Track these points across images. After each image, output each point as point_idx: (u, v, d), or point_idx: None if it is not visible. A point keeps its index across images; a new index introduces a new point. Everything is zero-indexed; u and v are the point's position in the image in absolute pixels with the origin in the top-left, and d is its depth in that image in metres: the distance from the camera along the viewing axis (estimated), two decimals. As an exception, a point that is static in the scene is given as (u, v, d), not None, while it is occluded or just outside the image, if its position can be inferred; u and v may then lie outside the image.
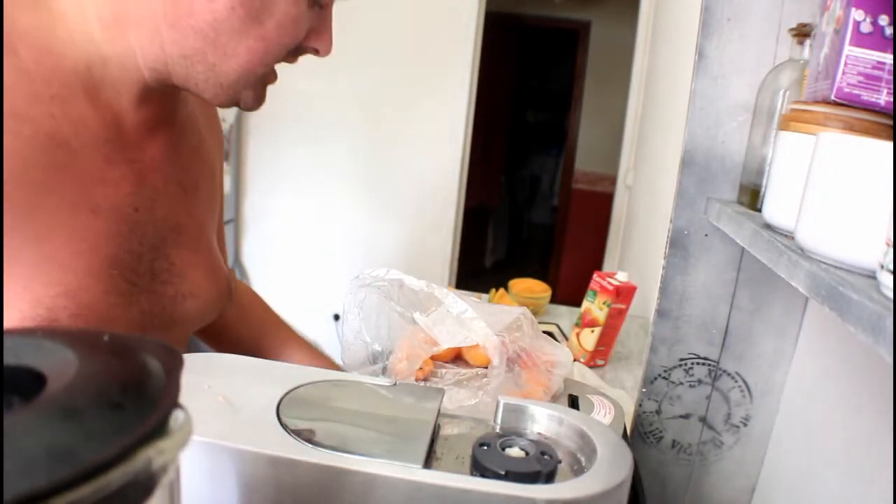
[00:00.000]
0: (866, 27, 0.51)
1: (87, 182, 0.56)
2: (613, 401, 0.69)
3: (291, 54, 0.61)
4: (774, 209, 0.60)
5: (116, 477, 0.22)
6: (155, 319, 0.63)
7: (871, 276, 0.43)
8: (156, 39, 0.55)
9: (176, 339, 0.67)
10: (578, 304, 1.47)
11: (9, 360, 0.26)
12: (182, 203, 0.67)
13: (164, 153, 0.65)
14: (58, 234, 0.53)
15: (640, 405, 0.89)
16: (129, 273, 0.60)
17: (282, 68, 0.67)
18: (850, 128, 0.54)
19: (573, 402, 0.68)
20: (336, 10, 0.67)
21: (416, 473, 0.43)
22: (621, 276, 1.37)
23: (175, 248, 0.65)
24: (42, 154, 0.52)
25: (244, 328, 0.89)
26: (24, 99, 0.51)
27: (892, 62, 0.51)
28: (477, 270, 4.75)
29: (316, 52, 0.62)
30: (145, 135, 0.62)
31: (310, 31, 0.60)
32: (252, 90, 0.60)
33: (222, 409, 0.48)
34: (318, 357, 0.89)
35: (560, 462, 0.47)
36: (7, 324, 0.51)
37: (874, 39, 0.51)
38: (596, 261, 3.19)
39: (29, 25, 0.53)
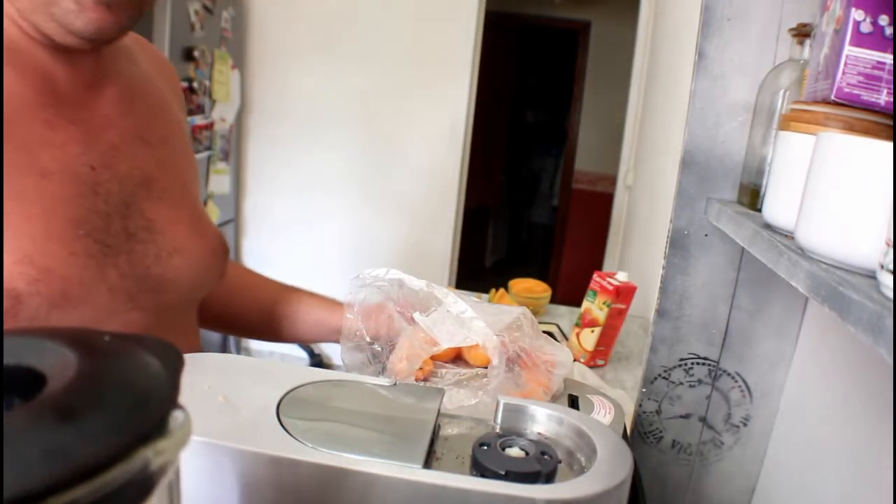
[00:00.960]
0: (866, 27, 0.51)
1: (30, 148, 0.55)
2: (613, 401, 0.69)
3: None
4: (774, 209, 0.60)
5: (114, 477, 0.22)
6: (141, 282, 0.61)
7: (871, 276, 0.43)
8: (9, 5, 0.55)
9: (174, 303, 0.65)
10: (578, 304, 1.47)
11: (9, 360, 0.26)
12: (149, 157, 0.65)
13: (117, 110, 0.64)
14: (11, 203, 0.52)
15: (640, 405, 0.89)
16: (98, 234, 0.58)
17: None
18: (850, 128, 0.54)
19: (573, 402, 0.68)
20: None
21: (416, 473, 0.43)
22: (621, 276, 1.37)
23: (149, 202, 0.63)
24: None
25: (252, 298, 0.87)
26: None
27: (892, 62, 0.51)
28: (477, 270, 4.75)
29: None
30: (87, 94, 0.61)
31: None
32: (71, 1, 0.53)
33: (222, 409, 0.48)
34: (334, 307, 0.86)
35: (560, 462, 0.47)
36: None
37: (874, 39, 0.51)
38: (596, 261, 3.19)
39: None
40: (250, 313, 0.88)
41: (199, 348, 0.74)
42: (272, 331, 0.88)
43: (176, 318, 0.67)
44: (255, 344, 2.95)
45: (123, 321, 0.59)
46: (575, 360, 1.24)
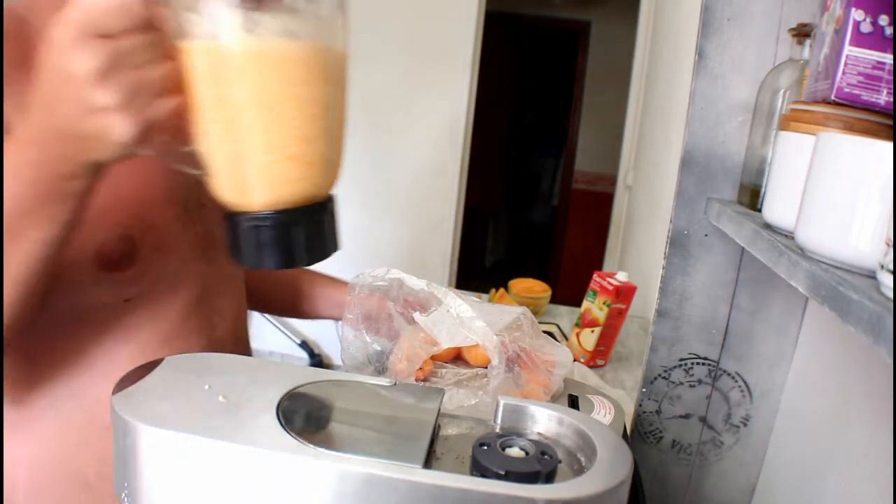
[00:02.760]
0: (866, 27, 0.51)
1: None
2: (613, 401, 0.69)
3: None
4: (774, 209, 0.60)
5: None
6: (208, 241, 0.75)
7: (871, 276, 0.43)
8: None
9: (230, 262, 0.73)
10: (578, 304, 1.47)
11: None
12: None
13: None
14: (126, 174, 0.62)
15: (640, 405, 0.89)
16: (182, 201, 0.71)
17: None
18: (850, 128, 0.54)
19: (573, 402, 0.68)
20: None
21: (416, 473, 0.43)
22: (621, 276, 1.37)
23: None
24: None
25: (279, 276, 0.98)
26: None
27: (892, 62, 0.51)
28: (477, 270, 4.75)
29: None
30: None
31: None
32: None
33: (222, 409, 0.48)
34: (345, 287, 0.95)
35: (560, 462, 0.47)
36: (95, 239, 0.62)
37: (874, 39, 0.51)
38: (596, 261, 3.19)
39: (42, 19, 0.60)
40: (276, 290, 0.98)
41: (245, 303, 0.85)
42: (295, 308, 0.99)
43: (231, 273, 0.81)
44: (255, 343, 2.95)
45: (195, 271, 0.73)
46: (575, 360, 1.24)
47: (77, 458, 0.68)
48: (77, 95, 0.46)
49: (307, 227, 0.51)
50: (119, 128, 0.46)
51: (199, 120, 0.48)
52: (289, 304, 0.99)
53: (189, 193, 0.74)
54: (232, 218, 0.51)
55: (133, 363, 0.60)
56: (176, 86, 0.47)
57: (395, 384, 0.56)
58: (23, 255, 0.53)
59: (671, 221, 0.82)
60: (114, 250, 0.64)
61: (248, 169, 0.48)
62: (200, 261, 0.74)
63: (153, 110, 0.47)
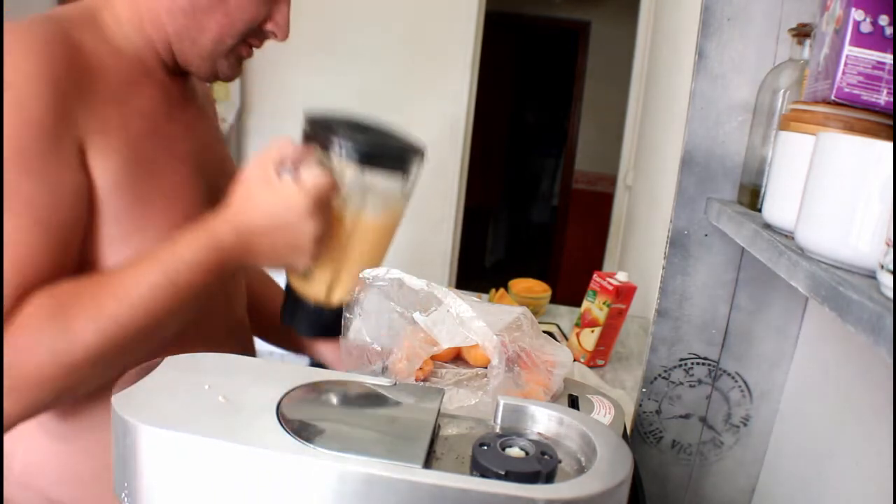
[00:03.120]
0: (866, 27, 0.51)
1: (171, 139, 0.73)
2: (613, 401, 0.69)
3: (255, 36, 0.75)
4: (774, 209, 0.60)
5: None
6: None
7: (871, 276, 0.43)
8: (161, 28, 0.71)
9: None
10: (578, 304, 1.47)
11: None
12: (219, 149, 0.87)
13: (199, 115, 0.83)
14: (170, 177, 0.72)
15: (640, 405, 0.89)
16: (208, 200, 0.76)
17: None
18: (850, 128, 0.54)
19: (573, 402, 0.68)
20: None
21: (416, 473, 0.43)
22: (621, 276, 1.37)
23: (223, 182, 0.79)
24: (141, 123, 0.70)
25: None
26: (120, 87, 0.68)
27: (892, 62, 0.51)
28: (477, 270, 4.75)
29: (275, 35, 0.76)
30: (185, 103, 0.79)
31: (267, 17, 0.74)
32: (226, 60, 0.75)
33: (222, 409, 0.48)
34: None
35: (560, 462, 0.47)
36: (154, 239, 0.67)
37: (874, 39, 0.51)
38: (596, 261, 3.19)
39: (96, 37, 0.68)
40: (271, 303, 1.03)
41: (245, 297, 0.92)
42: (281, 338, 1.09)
43: (237, 275, 0.87)
44: (255, 344, 2.95)
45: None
46: (575, 360, 1.24)
47: (101, 453, 0.70)
48: (294, 242, 0.68)
49: (340, 316, 0.72)
50: (305, 259, 0.70)
51: (327, 251, 0.72)
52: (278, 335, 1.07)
53: (211, 193, 0.78)
54: (301, 300, 0.77)
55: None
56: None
57: (395, 384, 0.56)
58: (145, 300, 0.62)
59: (671, 221, 0.82)
60: None
61: (339, 280, 0.75)
62: None
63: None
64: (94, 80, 0.65)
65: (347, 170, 0.69)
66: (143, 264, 0.63)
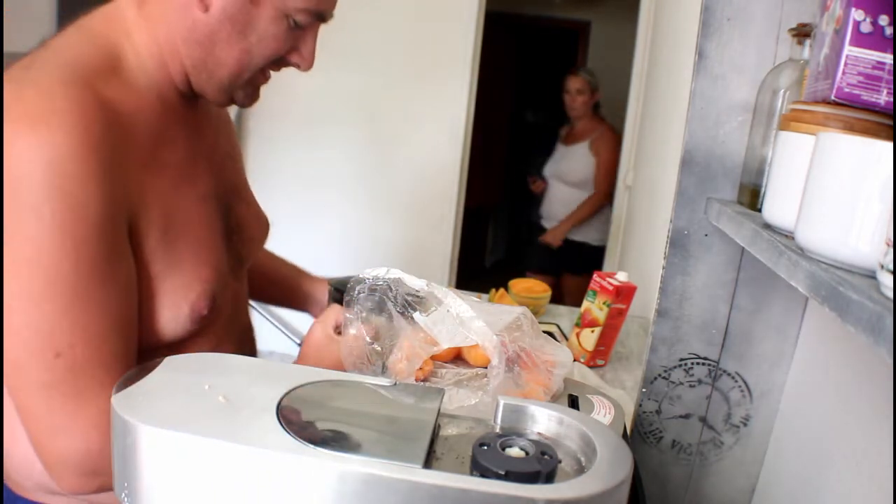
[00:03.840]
0: (866, 27, 0.51)
1: (195, 182, 0.74)
2: (613, 401, 0.69)
3: (275, 64, 0.73)
4: (774, 209, 0.60)
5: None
6: (237, 260, 0.83)
7: (871, 276, 0.43)
8: (177, 57, 0.69)
9: (244, 274, 0.88)
10: (578, 304, 1.47)
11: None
12: (234, 171, 0.87)
13: (215, 137, 0.82)
14: (197, 227, 0.72)
15: (640, 405, 0.89)
16: (226, 233, 0.79)
17: (283, 69, 0.71)
18: (850, 128, 0.54)
19: (573, 402, 0.68)
20: (336, 10, 0.70)
21: (416, 473, 0.43)
22: (621, 276, 1.37)
23: (237, 205, 0.84)
24: (169, 177, 0.69)
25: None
26: (149, 143, 0.67)
27: (892, 62, 0.51)
28: (477, 270, 4.75)
29: (298, 66, 0.74)
30: (201, 129, 0.78)
31: (292, 48, 0.72)
32: (243, 90, 0.73)
33: (222, 409, 0.48)
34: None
35: (560, 462, 0.47)
36: (188, 299, 0.69)
37: (874, 39, 0.51)
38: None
39: (121, 85, 0.65)
40: (272, 285, 1.08)
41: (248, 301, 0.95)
42: (282, 301, 1.11)
43: (245, 282, 0.90)
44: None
45: (231, 288, 0.81)
46: (575, 360, 1.24)
47: None
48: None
49: None
50: None
51: None
52: (277, 298, 1.10)
53: (227, 222, 0.80)
54: None
55: None
56: None
57: (395, 384, 0.56)
58: None
59: (671, 221, 0.82)
60: (203, 306, 0.71)
61: None
62: (233, 279, 0.82)
63: None
64: (128, 144, 0.63)
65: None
66: None
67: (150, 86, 0.69)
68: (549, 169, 3.17)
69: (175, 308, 0.69)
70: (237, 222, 0.83)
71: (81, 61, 0.63)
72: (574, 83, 3.04)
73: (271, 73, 0.74)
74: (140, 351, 0.68)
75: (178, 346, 0.72)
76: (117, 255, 0.62)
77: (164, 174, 0.69)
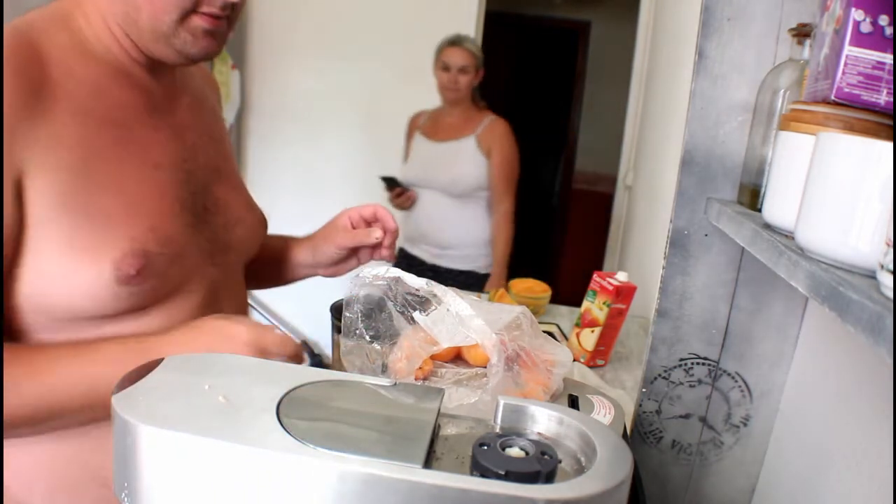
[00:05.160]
0: (866, 27, 0.51)
1: (146, 146, 0.72)
2: (613, 401, 0.69)
3: (205, 4, 0.70)
4: (774, 209, 0.60)
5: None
6: (216, 245, 0.80)
7: (871, 276, 0.43)
8: (112, 20, 0.69)
9: (234, 263, 0.85)
10: (578, 304, 1.47)
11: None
12: (215, 151, 0.84)
13: (191, 114, 0.81)
14: (136, 188, 0.70)
15: (640, 405, 0.89)
16: (191, 209, 0.76)
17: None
18: (850, 128, 0.54)
19: (573, 402, 0.68)
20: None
21: (416, 473, 0.43)
22: (621, 276, 1.37)
23: (218, 185, 0.82)
24: (107, 134, 0.69)
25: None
26: (87, 97, 0.67)
27: (892, 62, 0.51)
28: (477, 270, 4.74)
29: None
30: (172, 103, 0.78)
31: None
32: (181, 38, 0.70)
33: (222, 409, 0.48)
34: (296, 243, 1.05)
35: (560, 462, 0.47)
36: (111, 255, 0.66)
37: (874, 39, 0.51)
38: (596, 261, 3.19)
39: (68, 42, 0.68)
40: (267, 266, 1.03)
41: (246, 301, 0.92)
42: (279, 279, 1.05)
43: (234, 273, 0.86)
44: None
45: (205, 274, 0.78)
46: (575, 360, 1.24)
47: (94, 456, 0.69)
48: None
49: None
50: None
51: None
52: (274, 276, 1.04)
53: (196, 199, 0.77)
54: None
55: None
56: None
57: (395, 384, 0.56)
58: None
59: (671, 221, 0.82)
60: (130, 265, 0.67)
61: None
62: (209, 265, 0.78)
63: None
64: (52, 94, 0.64)
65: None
66: (66, 362, 0.65)
67: (101, 50, 0.70)
68: (411, 175, 2.30)
69: (96, 265, 0.65)
70: (215, 203, 0.81)
71: (32, 19, 0.68)
72: (456, 56, 2.21)
73: (218, 14, 0.70)
74: (71, 320, 0.66)
75: (124, 318, 0.69)
76: None
77: (97, 129, 0.68)
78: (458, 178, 2.23)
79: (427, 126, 2.36)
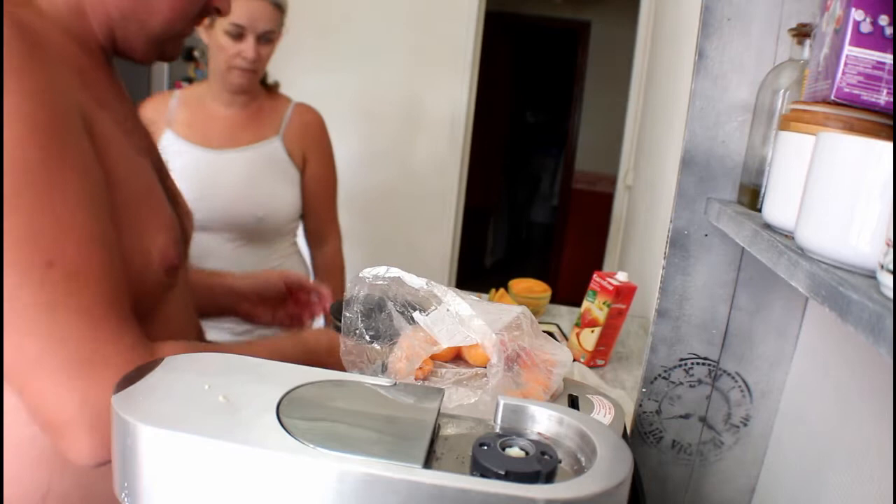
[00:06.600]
0: (866, 27, 0.51)
1: (129, 130, 0.70)
2: (613, 401, 0.69)
3: (201, 15, 0.72)
4: (774, 209, 0.60)
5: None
6: (184, 235, 0.78)
7: (871, 276, 0.43)
8: (103, 7, 0.66)
9: (187, 257, 0.83)
10: (578, 304, 1.47)
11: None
12: (153, 145, 0.81)
13: (133, 111, 0.78)
14: (140, 171, 0.68)
15: (640, 405, 0.89)
16: (167, 198, 0.74)
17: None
18: (850, 128, 0.54)
19: (573, 402, 0.68)
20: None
21: (416, 473, 0.43)
22: (621, 276, 1.37)
23: (167, 177, 0.80)
24: (106, 116, 0.65)
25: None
26: (83, 78, 0.63)
27: (892, 62, 0.51)
28: (477, 270, 4.75)
29: (218, 11, 0.73)
30: (123, 96, 0.75)
31: None
32: (173, 43, 0.72)
33: (222, 409, 0.48)
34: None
35: (560, 462, 0.47)
36: (157, 244, 0.65)
37: (874, 39, 0.51)
38: (596, 261, 3.19)
39: (33, 22, 0.60)
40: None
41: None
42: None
43: (187, 268, 0.84)
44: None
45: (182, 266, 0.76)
46: (575, 360, 1.24)
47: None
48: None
49: None
50: None
51: None
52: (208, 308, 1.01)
53: (166, 188, 0.77)
54: None
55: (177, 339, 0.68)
56: None
57: (395, 384, 0.56)
58: None
59: (671, 221, 0.82)
60: (173, 255, 0.68)
61: None
62: (184, 256, 0.80)
63: None
64: (60, 59, 0.60)
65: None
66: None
67: (67, 32, 0.66)
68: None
69: (145, 254, 0.64)
70: (173, 193, 0.79)
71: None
72: (255, 13, 1.34)
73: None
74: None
75: (154, 307, 0.69)
76: (83, 153, 0.57)
77: (100, 108, 0.64)
78: (262, 209, 1.38)
79: (185, 122, 1.40)
